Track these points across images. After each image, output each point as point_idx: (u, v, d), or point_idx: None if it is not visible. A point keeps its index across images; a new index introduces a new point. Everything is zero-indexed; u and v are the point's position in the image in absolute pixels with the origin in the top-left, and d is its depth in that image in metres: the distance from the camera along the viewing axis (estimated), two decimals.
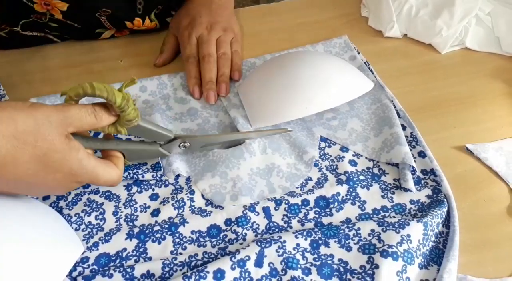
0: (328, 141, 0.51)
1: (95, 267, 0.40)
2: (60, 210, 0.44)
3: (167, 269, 0.40)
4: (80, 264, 0.40)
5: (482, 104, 0.56)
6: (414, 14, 0.63)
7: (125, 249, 0.42)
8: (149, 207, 0.45)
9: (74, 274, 0.40)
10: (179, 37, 0.60)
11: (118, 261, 0.41)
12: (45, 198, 0.46)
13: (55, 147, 0.35)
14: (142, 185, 0.47)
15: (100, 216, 0.44)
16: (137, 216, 0.44)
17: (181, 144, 0.46)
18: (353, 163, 0.49)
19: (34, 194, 0.41)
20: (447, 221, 0.44)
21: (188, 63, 0.57)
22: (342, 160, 0.48)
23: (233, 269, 0.39)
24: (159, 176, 0.47)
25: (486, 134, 0.52)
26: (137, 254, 0.42)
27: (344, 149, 0.50)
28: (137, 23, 0.61)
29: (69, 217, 0.44)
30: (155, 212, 0.44)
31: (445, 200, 0.45)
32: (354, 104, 0.54)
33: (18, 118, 0.33)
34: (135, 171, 0.46)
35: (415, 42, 0.64)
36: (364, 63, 0.60)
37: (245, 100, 0.54)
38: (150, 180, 0.47)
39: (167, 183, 0.47)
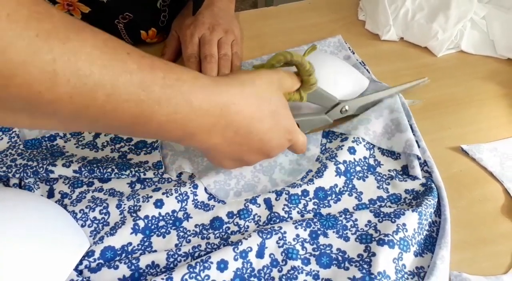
0: (330, 136, 0.52)
1: (101, 261, 0.41)
2: (64, 208, 0.45)
3: (171, 259, 0.41)
4: (86, 258, 0.41)
5: (477, 106, 0.57)
6: (411, 17, 0.64)
7: (130, 243, 0.42)
8: (151, 197, 0.45)
9: (80, 267, 0.40)
10: (181, 36, 0.61)
11: (123, 255, 0.42)
12: (50, 196, 0.46)
13: (280, 103, 0.40)
14: (145, 182, 0.47)
15: (104, 210, 0.44)
16: (140, 206, 0.44)
17: (342, 109, 0.50)
18: (352, 150, 0.49)
19: (256, 158, 0.42)
20: (439, 211, 0.45)
21: (189, 62, 0.57)
22: (342, 149, 0.49)
23: (235, 260, 0.40)
24: (160, 174, 0.48)
25: (481, 134, 0.53)
26: (142, 248, 0.42)
27: (345, 139, 0.50)
28: (151, 34, 0.63)
29: (74, 214, 0.44)
30: (159, 204, 0.44)
31: (436, 190, 0.46)
32: None
33: (256, 80, 0.38)
34: (136, 169, 0.47)
35: (412, 45, 0.65)
36: (360, 62, 0.61)
37: None
38: (153, 177, 0.48)
39: (170, 180, 0.48)
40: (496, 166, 0.50)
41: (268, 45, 0.65)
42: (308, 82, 0.44)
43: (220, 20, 0.61)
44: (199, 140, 0.36)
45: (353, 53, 0.62)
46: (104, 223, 0.44)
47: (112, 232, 0.43)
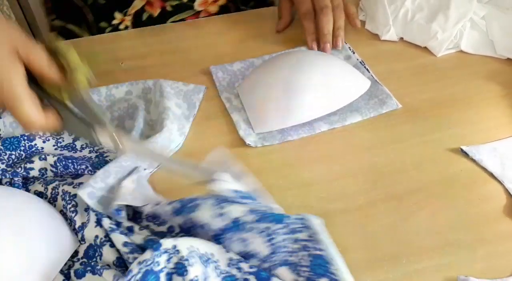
0: None
1: (84, 260, 0.40)
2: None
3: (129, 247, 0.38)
4: (70, 259, 0.40)
5: (477, 106, 0.56)
6: (410, 18, 0.64)
7: (97, 236, 0.40)
8: None
9: (64, 268, 0.40)
10: None
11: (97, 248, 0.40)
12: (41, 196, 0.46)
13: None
14: None
15: (73, 208, 0.42)
16: None
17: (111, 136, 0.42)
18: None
19: None
20: None
21: (306, 19, 0.63)
22: None
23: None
24: None
25: (481, 135, 0.53)
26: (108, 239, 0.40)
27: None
28: None
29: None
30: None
31: None
32: None
33: None
34: None
35: (411, 45, 0.65)
36: (360, 62, 0.61)
37: (246, 103, 0.55)
38: None
39: None
40: (496, 166, 0.49)
41: (268, 45, 0.65)
42: (70, 81, 0.38)
43: None
44: None
45: (353, 53, 0.62)
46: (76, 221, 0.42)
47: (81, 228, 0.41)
